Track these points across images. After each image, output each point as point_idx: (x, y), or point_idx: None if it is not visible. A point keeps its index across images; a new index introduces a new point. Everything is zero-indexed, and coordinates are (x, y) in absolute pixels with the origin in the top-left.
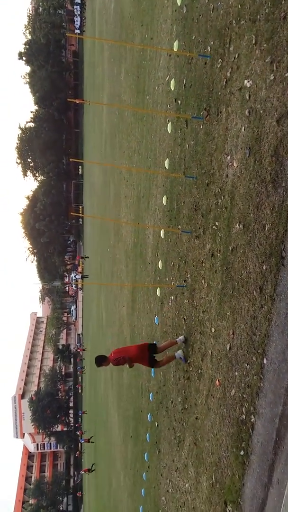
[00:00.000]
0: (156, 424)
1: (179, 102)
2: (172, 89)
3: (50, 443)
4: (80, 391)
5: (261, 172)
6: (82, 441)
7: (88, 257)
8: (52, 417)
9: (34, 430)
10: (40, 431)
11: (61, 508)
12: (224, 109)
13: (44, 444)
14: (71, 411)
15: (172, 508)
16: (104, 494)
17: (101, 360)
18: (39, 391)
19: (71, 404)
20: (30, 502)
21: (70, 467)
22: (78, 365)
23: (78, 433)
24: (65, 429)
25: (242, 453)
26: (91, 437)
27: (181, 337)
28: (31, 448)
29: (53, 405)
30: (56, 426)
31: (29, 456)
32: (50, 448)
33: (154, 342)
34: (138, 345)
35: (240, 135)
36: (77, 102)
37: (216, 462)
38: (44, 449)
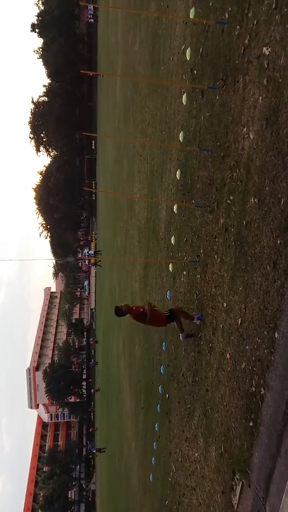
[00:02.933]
0: (167, 396)
1: (195, 72)
2: (188, 58)
3: (64, 414)
4: (93, 391)
5: (278, 144)
6: (94, 451)
7: (101, 251)
8: (65, 389)
9: (48, 401)
10: (54, 402)
11: (74, 476)
12: (241, 79)
13: (57, 414)
14: (84, 383)
15: (181, 476)
16: (115, 462)
17: (121, 311)
18: (53, 364)
19: (84, 376)
20: (44, 469)
21: (83, 437)
22: (91, 361)
23: (90, 429)
24: (78, 400)
25: (251, 424)
26: (103, 448)
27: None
28: (45, 418)
29: (66, 377)
30: (70, 397)
31: (43, 425)
32: (64, 419)
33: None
34: (162, 315)
35: (258, 106)
36: (91, 74)
37: (225, 432)
38: (58, 419)
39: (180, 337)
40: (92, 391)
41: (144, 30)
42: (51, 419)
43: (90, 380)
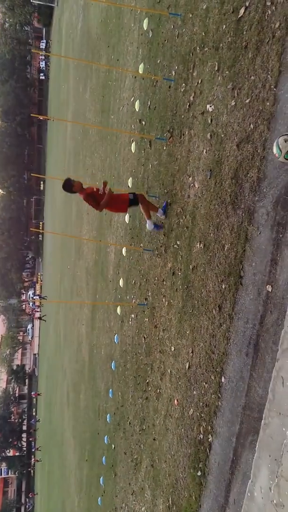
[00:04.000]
0: (113, 446)
1: (143, 123)
2: (137, 110)
3: (1, 469)
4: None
5: (221, 194)
6: None
7: (46, 297)
8: (3, 441)
9: None
10: None
11: None
12: (187, 132)
13: None
14: (24, 435)
15: None
16: None
17: (71, 185)
18: None
19: (24, 428)
20: None
21: (22, 494)
22: (33, 419)
23: (30, 495)
24: (17, 453)
25: (199, 473)
26: None
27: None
28: None
29: (5, 428)
30: (8, 450)
31: None
32: (1, 475)
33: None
34: (124, 197)
35: (202, 158)
36: (41, 118)
37: (173, 484)
38: None
39: (147, 225)
40: (32, 460)
41: (95, 80)
42: None
43: (31, 439)
